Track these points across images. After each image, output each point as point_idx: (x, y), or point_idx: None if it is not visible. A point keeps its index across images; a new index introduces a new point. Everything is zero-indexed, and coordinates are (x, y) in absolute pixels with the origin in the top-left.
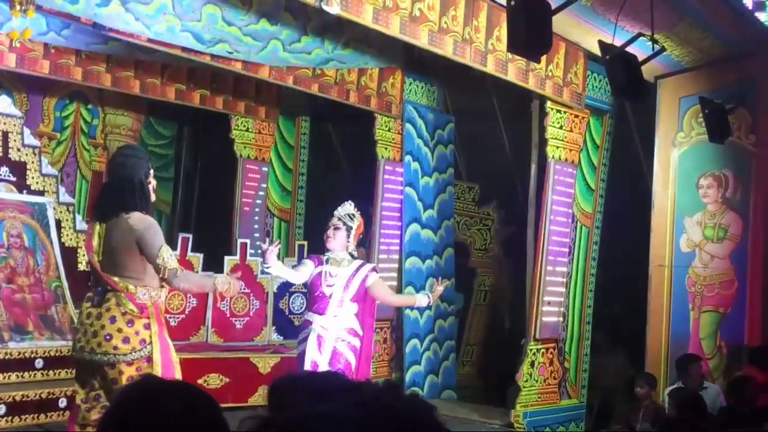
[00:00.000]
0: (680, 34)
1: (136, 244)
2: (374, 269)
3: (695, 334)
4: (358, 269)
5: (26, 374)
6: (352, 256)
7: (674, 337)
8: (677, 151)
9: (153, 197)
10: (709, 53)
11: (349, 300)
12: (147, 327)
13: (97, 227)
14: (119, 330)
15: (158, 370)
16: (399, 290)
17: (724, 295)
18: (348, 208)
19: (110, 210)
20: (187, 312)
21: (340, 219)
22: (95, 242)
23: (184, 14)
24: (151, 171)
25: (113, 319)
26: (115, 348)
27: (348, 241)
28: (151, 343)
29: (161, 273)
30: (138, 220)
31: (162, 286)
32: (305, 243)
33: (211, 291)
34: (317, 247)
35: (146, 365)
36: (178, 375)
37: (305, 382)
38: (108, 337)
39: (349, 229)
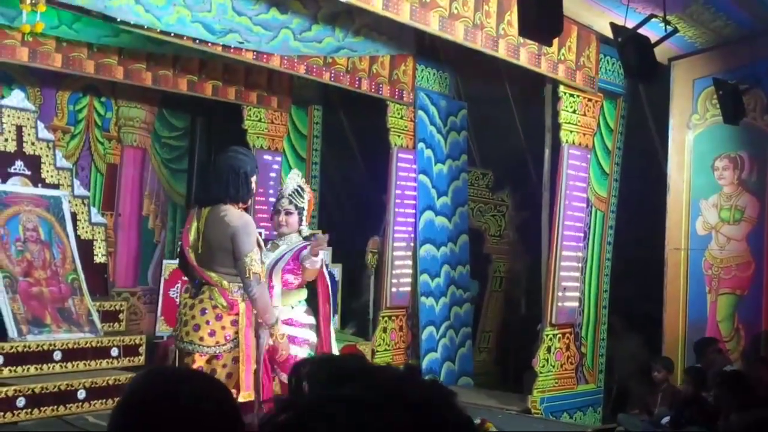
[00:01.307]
0: (693, 15)
1: (231, 240)
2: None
3: (712, 317)
4: (293, 249)
5: (44, 366)
6: (302, 237)
7: (691, 320)
8: (692, 133)
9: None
10: (722, 34)
11: (275, 279)
12: (234, 323)
13: (195, 223)
14: (207, 322)
15: (241, 368)
16: (414, 278)
17: (741, 277)
18: (295, 180)
19: (211, 198)
20: None
21: (291, 202)
22: (192, 236)
23: (194, 5)
24: (257, 171)
25: (203, 312)
26: (201, 339)
27: (301, 225)
28: (235, 339)
29: (245, 273)
30: (235, 216)
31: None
32: (319, 232)
33: (268, 325)
34: (332, 236)
35: (217, 361)
36: (251, 374)
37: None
38: (196, 328)
39: (301, 211)
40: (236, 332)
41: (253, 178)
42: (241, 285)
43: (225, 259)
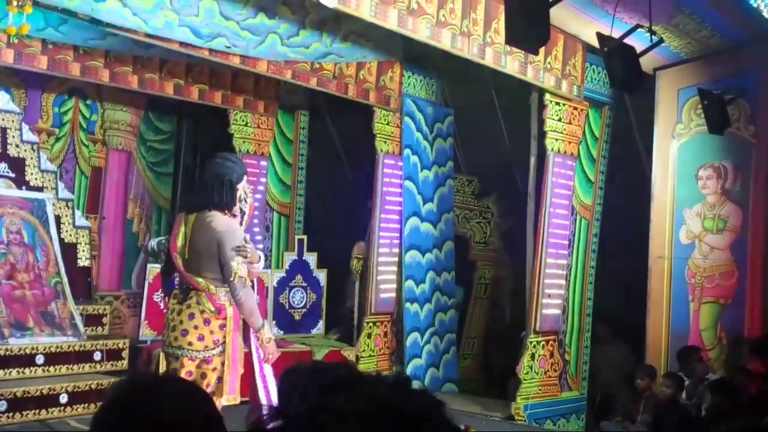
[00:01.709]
0: (678, 26)
1: (216, 246)
2: None
3: (695, 325)
4: None
5: (27, 370)
6: None
7: (674, 328)
8: (676, 142)
9: (247, 206)
10: (707, 44)
11: None
12: (222, 327)
13: (183, 228)
14: (195, 327)
15: (227, 372)
16: (399, 284)
17: (725, 286)
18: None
19: (198, 204)
20: None
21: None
22: (179, 242)
23: (181, 9)
24: (245, 178)
25: (191, 316)
26: (190, 344)
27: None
28: (224, 343)
29: (230, 277)
30: (221, 222)
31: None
32: (305, 237)
33: (255, 328)
34: (317, 241)
35: (207, 365)
36: (238, 378)
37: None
38: (184, 333)
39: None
40: (224, 336)
41: (240, 185)
42: (228, 290)
43: (211, 264)
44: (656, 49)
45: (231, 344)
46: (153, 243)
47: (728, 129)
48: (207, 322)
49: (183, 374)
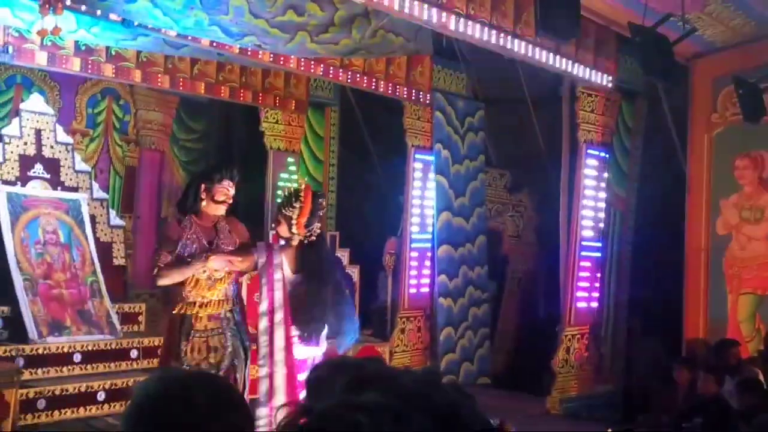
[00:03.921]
0: (712, 14)
1: None
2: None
3: (733, 317)
4: None
5: (65, 369)
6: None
7: (712, 320)
8: (712, 132)
9: (218, 203)
10: (741, 32)
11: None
12: None
13: None
14: None
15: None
16: (432, 279)
17: (763, 276)
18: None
19: None
20: None
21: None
22: None
23: (211, 8)
24: (219, 178)
25: None
26: None
27: (292, 231)
28: None
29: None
30: None
31: None
32: (337, 233)
33: (196, 271)
34: (349, 237)
35: None
36: None
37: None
38: None
39: (288, 220)
40: None
41: (216, 185)
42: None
43: None
44: (690, 37)
45: None
46: None
47: (764, 118)
48: None
49: None
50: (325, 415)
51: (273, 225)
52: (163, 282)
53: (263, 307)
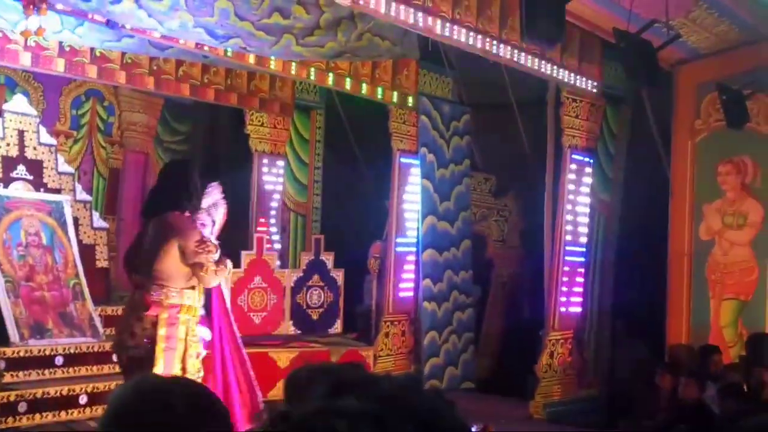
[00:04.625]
0: (696, 20)
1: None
2: None
3: (716, 322)
4: None
5: (46, 372)
6: None
7: (695, 325)
8: (695, 138)
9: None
10: (725, 39)
11: None
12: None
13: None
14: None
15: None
16: (417, 283)
17: (745, 282)
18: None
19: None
20: None
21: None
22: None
23: (196, 10)
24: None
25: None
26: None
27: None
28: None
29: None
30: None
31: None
32: (322, 237)
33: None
34: (334, 241)
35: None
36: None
37: (323, 375)
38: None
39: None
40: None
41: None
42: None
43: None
44: (674, 44)
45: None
46: None
47: (747, 124)
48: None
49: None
50: (303, 421)
51: None
52: (216, 282)
53: None
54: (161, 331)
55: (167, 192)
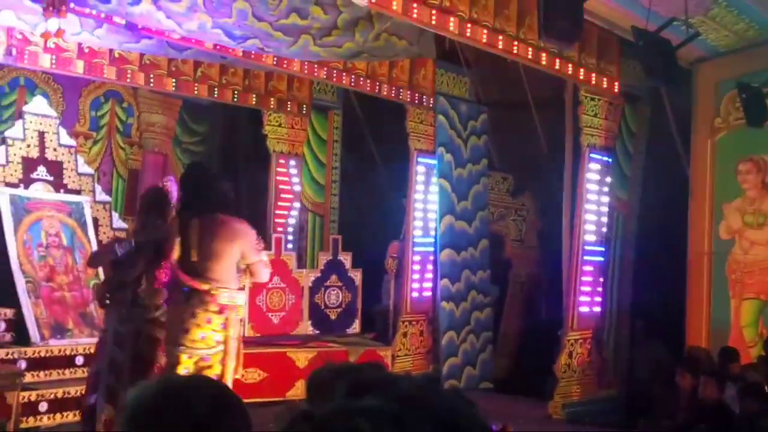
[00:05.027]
0: (715, 18)
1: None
2: None
3: (736, 322)
4: None
5: (67, 371)
6: None
7: (714, 325)
8: (715, 136)
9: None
10: (745, 36)
11: None
12: (224, 327)
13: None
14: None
15: (226, 371)
16: (435, 283)
17: (766, 282)
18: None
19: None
20: None
21: None
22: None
23: (214, 11)
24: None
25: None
26: (192, 341)
27: None
28: (224, 343)
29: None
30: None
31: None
32: (339, 237)
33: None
34: (352, 241)
35: (204, 362)
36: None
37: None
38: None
39: None
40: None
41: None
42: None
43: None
44: (693, 42)
45: (230, 343)
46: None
47: (767, 122)
48: (209, 321)
49: (180, 371)
50: (325, 421)
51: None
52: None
53: None
54: (231, 332)
55: (209, 194)
